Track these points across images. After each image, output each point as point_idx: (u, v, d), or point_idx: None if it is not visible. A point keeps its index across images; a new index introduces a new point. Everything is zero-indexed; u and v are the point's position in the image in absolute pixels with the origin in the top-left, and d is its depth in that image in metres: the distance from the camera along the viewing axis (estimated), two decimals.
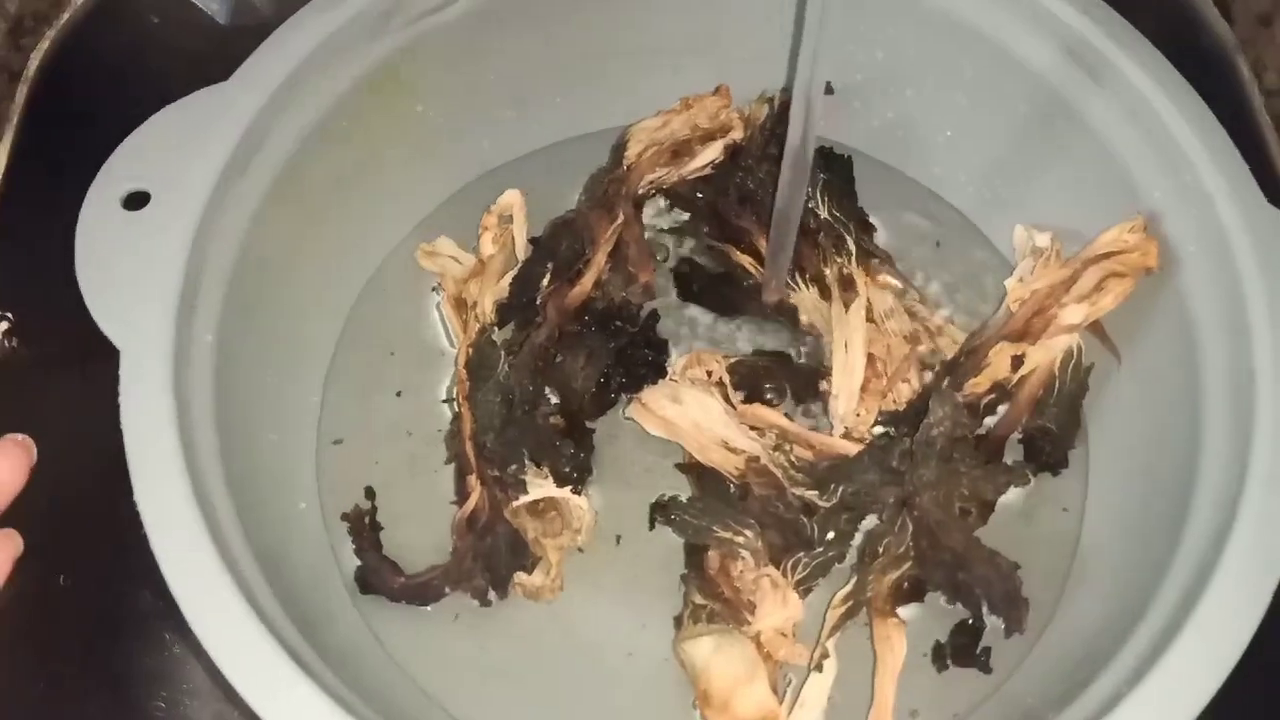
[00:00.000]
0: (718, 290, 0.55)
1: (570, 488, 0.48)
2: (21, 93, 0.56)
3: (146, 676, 0.55)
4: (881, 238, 0.56)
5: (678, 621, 0.47)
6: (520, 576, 0.48)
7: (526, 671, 0.48)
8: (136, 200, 0.45)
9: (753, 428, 0.48)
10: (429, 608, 0.48)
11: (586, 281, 0.50)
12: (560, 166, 0.58)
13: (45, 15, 0.59)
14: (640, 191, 0.53)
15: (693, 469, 0.49)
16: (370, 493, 0.51)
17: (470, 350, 0.49)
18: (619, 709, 0.47)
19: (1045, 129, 0.53)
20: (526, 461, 0.48)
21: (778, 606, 0.44)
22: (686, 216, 0.57)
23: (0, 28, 0.56)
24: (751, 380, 0.51)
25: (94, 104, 0.57)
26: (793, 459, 0.48)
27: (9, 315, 0.51)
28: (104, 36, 0.60)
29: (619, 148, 0.54)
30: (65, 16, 0.60)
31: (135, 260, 0.43)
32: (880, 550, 0.46)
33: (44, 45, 0.59)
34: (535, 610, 0.49)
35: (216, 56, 0.49)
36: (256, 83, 0.47)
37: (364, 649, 0.48)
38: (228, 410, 0.45)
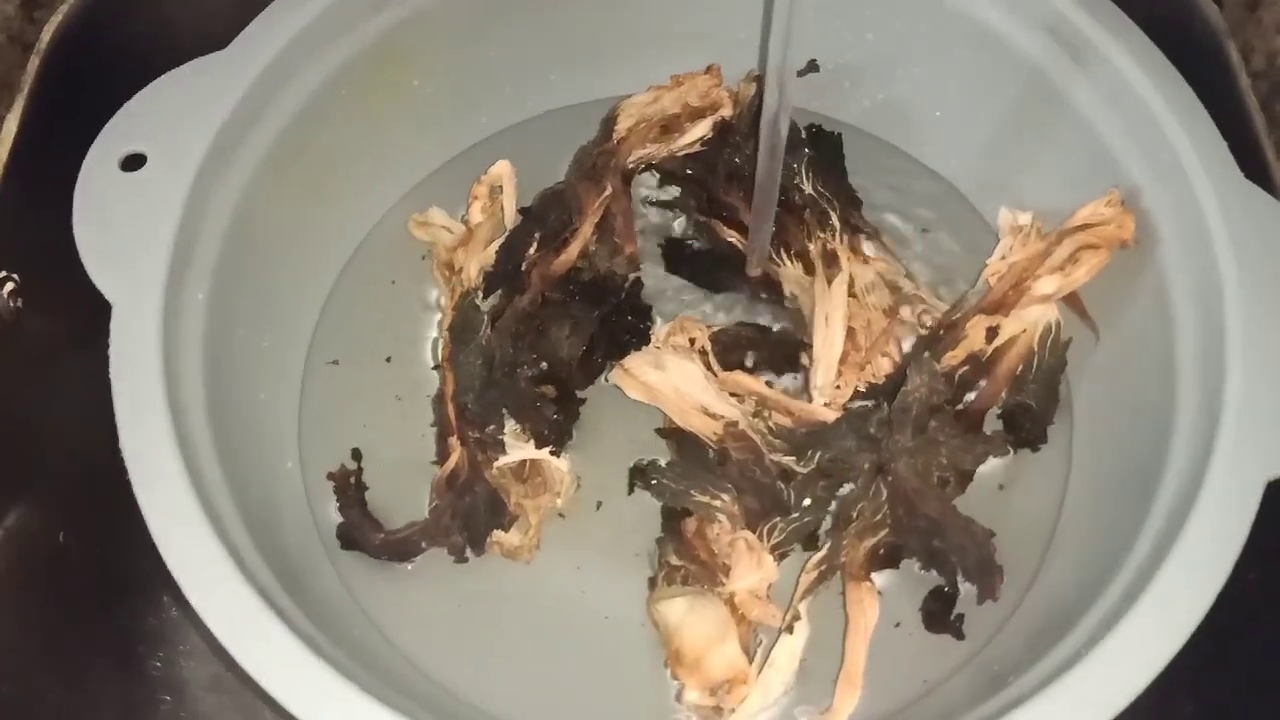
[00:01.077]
0: (704, 265, 0.56)
1: (548, 449, 0.48)
2: (33, 64, 0.58)
3: (145, 636, 0.56)
4: (873, 211, 0.57)
5: (652, 583, 0.48)
6: (498, 535, 0.48)
7: (501, 631, 0.48)
8: (134, 162, 0.46)
9: (733, 394, 0.49)
10: (408, 565, 0.49)
11: (572, 251, 0.51)
12: (552, 136, 0.59)
13: None
14: (629, 165, 0.54)
15: (673, 434, 0.50)
16: (357, 454, 0.52)
17: (454, 313, 0.50)
18: (593, 670, 0.48)
19: (1032, 111, 0.53)
20: (507, 423, 0.49)
21: (752, 568, 0.45)
22: (676, 193, 0.58)
23: (14, 0, 0.58)
24: (734, 349, 0.51)
25: (103, 75, 0.58)
26: (771, 425, 0.48)
27: (15, 276, 0.53)
28: (114, 10, 0.61)
29: (609, 121, 0.55)
30: None
31: (130, 219, 0.45)
32: (855, 515, 0.46)
33: (56, 19, 0.60)
34: (512, 571, 0.49)
35: (225, 29, 0.50)
36: (254, 52, 0.49)
37: (342, 607, 0.48)
38: (218, 368, 0.46)
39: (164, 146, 0.46)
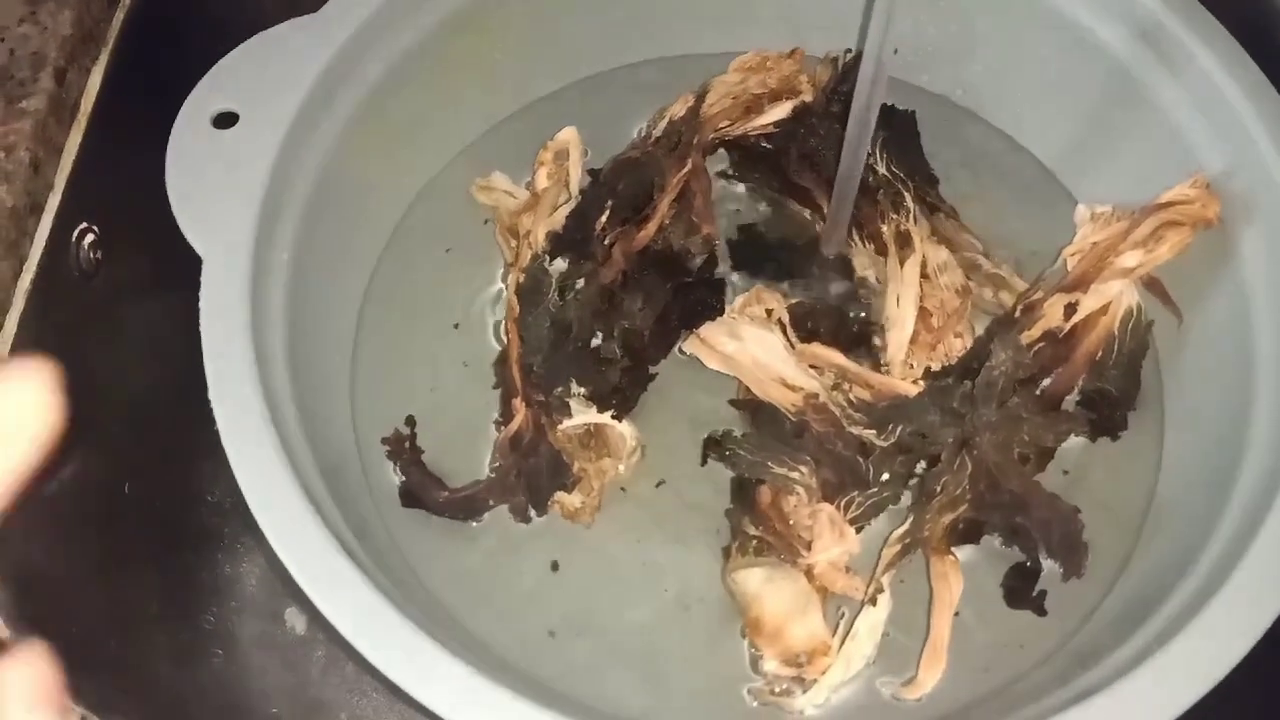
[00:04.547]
0: (774, 257, 0.55)
1: (611, 414, 0.48)
2: (119, 17, 0.58)
3: (198, 590, 0.57)
4: (956, 184, 0.56)
5: (726, 552, 0.48)
6: (560, 495, 0.49)
7: (559, 601, 0.48)
8: (225, 120, 0.47)
9: (812, 366, 0.49)
10: (473, 524, 0.49)
11: (651, 226, 0.51)
12: (604, 95, 0.60)
13: None
14: (709, 139, 0.54)
15: (748, 405, 0.50)
16: (411, 420, 0.51)
17: (522, 276, 0.50)
18: (653, 641, 0.47)
19: (1115, 109, 0.53)
20: (573, 388, 0.49)
21: (835, 540, 0.45)
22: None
23: None
24: (807, 322, 0.51)
25: (188, 31, 0.59)
26: (851, 398, 0.48)
27: (95, 228, 0.53)
28: None
29: (699, 98, 0.55)
30: None
31: (221, 176, 0.45)
32: (938, 490, 0.46)
33: None
34: (572, 544, 0.49)
35: None
36: (345, 16, 0.49)
37: (399, 566, 0.49)
38: (296, 327, 0.47)
39: (256, 105, 0.47)
